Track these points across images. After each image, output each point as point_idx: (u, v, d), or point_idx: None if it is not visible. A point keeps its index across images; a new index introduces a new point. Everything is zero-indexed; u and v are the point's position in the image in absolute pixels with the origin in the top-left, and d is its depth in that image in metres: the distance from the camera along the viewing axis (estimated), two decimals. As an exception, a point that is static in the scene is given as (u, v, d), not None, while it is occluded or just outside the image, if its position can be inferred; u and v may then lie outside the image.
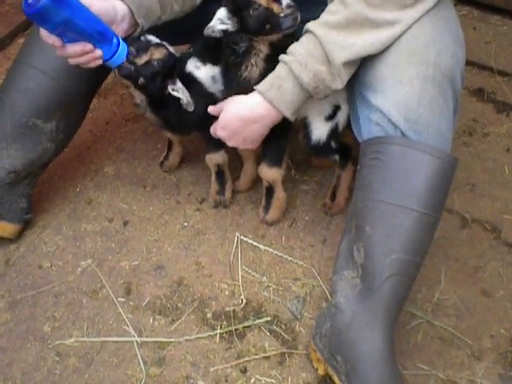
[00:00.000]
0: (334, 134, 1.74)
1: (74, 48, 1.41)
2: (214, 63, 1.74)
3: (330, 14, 1.41)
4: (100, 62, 1.47)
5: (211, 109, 1.67)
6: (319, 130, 1.73)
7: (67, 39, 1.40)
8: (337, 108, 1.70)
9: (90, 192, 1.99)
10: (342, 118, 1.72)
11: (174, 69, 1.67)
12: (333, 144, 1.76)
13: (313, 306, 1.70)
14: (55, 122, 1.73)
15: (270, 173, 1.80)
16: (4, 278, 1.73)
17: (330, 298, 1.66)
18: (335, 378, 1.43)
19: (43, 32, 1.38)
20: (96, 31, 1.41)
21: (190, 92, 1.68)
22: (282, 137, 1.75)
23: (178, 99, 1.67)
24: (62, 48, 1.41)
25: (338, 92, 1.61)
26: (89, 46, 1.42)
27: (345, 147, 1.82)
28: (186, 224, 1.91)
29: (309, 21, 1.44)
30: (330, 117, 1.71)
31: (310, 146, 1.76)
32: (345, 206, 1.92)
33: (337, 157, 1.82)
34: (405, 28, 1.38)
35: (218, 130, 1.64)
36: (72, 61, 1.46)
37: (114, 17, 1.48)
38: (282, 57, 1.48)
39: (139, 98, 1.75)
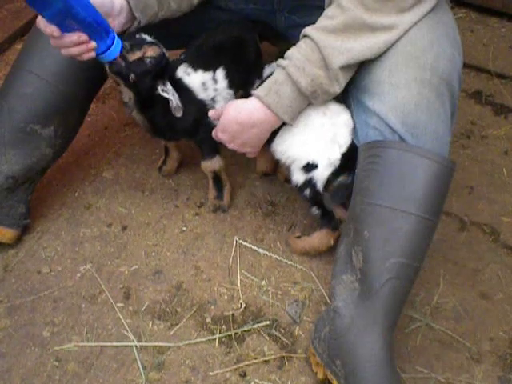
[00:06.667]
0: (310, 187, 1.65)
1: (71, 37, 1.38)
2: (206, 69, 1.75)
3: (328, 19, 1.41)
4: (93, 54, 1.44)
5: (211, 113, 1.69)
6: (296, 176, 1.66)
7: (65, 29, 1.37)
8: (312, 166, 1.61)
9: (89, 197, 2.00)
10: (318, 177, 1.62)
11: (165, 70, 1.65)
12: (307, 193, 1.67)
13: (312, 309, 1.70)
14: (53, 128, 1.73)
15: None
16: (3, 283, 1.73)
17: (329, 301, 1.66)
18: (334, 382, 1.43)
19: (41, 21, 1.36)
20: (95, 21, 1.39)
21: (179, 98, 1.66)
22: None
23: (167, 102, 1.65)
24: (58, 38, 1.38)
25: (316, 150, 1.59)
26: (84, 37, 1.39)
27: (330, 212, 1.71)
28: (184, 228, 1.91)
29: (306, 25, 1.44)
30: (305, 169, 1.63)
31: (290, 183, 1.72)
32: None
33: (316, 210, 1.71)
34: (402, 32, 1.39)
35: (218, 133, 1.65)
36: (65, 51, 1.43)
37: (110, 9, 1.47)
38: (279, 61, 1.48)
39: (127, 96, 1.70)
